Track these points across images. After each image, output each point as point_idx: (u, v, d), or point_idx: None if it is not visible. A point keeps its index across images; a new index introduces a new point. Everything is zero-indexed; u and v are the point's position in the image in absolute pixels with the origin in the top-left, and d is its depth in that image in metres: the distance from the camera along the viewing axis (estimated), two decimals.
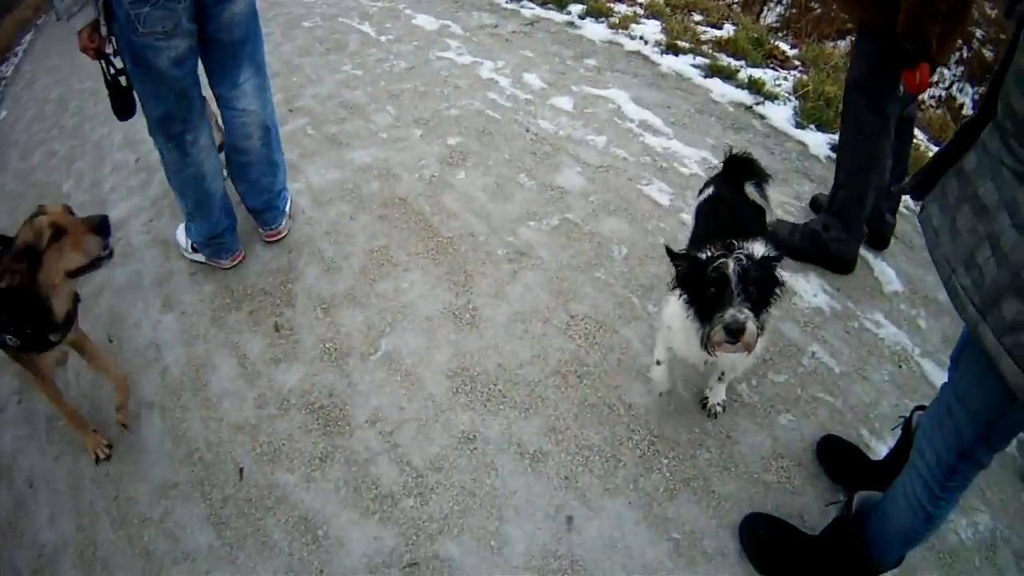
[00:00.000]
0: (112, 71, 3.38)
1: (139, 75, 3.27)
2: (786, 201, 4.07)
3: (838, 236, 3.53)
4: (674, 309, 2.52)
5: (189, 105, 3.43)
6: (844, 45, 7.29)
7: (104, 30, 3.21)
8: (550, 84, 5.34)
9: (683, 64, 5.53)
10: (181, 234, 4.25)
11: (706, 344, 2.28)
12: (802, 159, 4.42)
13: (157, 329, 3.87)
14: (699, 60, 5.55)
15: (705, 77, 5.34)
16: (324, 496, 2.92)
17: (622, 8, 6.64)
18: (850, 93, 3.32)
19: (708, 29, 6.25)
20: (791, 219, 3.87)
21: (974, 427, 1.75)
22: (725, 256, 2.24)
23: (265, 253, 4.13)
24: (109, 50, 3.32)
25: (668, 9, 6.67)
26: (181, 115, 3.42)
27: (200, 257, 4.13)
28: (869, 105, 3.27)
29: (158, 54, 3.16)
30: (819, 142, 4.56)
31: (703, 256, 2.35)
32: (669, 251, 2.39)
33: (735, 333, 2.15)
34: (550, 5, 6.85)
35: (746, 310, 2.17)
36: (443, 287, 3.70)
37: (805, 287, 3.49)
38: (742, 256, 2.24)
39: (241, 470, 3.08)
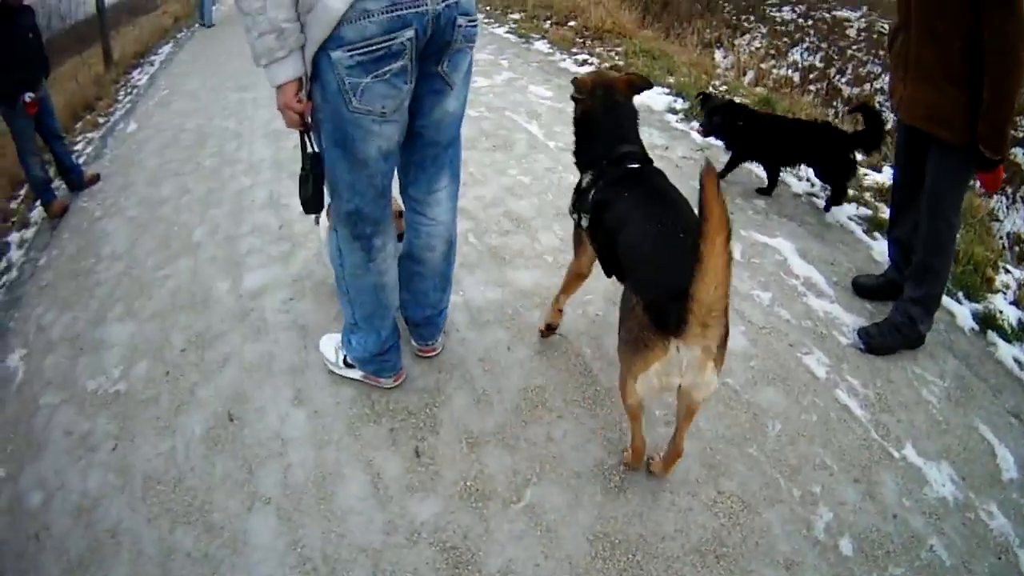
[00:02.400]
0: (315, 148, 3.15)
1: (338, 158, 3.06)
2: (932, 380, 4.10)
3: (925, 321, 4.14)
4: None
5: (385, 205, 3.32)
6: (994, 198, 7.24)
7: (304, 93, 2.92)
8: None
9: (847, 214, 5.62)
10: (329, 345, 4.27)
11: None
12: (949, 331, 4.45)
13: (285, 422, 4.01)
14: (862, 211, 5.64)
15: (866, 232, 5.41)
16: None
17: None
18: (938, 204, 3.91)
19: (870, 172, 6.37)
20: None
21: None
22: None
23: (413, 368, 4.25)
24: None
25: None
26: (375, 215, 3.28)
27: (355, 374, 4.10)
28: (955, 211, 3.97)
29: (367, 138, 2.96)
30: (965, 314, 4.60)
31: None
32: None
33: None
34: None
35: None
36: (596, 443, 3.73)
37: (936, 476, 3.50)
38: None
39: None
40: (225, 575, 3.32)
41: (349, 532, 3.40)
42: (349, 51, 2.67)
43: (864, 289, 4.68)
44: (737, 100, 6.99)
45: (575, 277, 3.91)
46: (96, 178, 8.28)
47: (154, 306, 5.37)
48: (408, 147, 3.32)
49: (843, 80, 13.34)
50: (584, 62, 9.17)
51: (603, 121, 3.50)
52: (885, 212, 5.41)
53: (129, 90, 12.57)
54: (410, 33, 2.72)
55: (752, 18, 17.60)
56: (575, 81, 3.57)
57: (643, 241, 3.00)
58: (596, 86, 3.52)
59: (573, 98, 3.59)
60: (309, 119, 3.00)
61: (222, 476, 3.69)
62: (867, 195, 5.89)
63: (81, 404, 4.56)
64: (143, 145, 8.97)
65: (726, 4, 18.36)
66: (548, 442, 3.74)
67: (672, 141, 6.95)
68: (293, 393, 4.19)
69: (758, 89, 8.93)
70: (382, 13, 2.63)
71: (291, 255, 5.59)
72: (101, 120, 11.18)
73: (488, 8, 12.64)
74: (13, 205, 8.89)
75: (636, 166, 3.35)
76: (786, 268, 4.93)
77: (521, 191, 6.01)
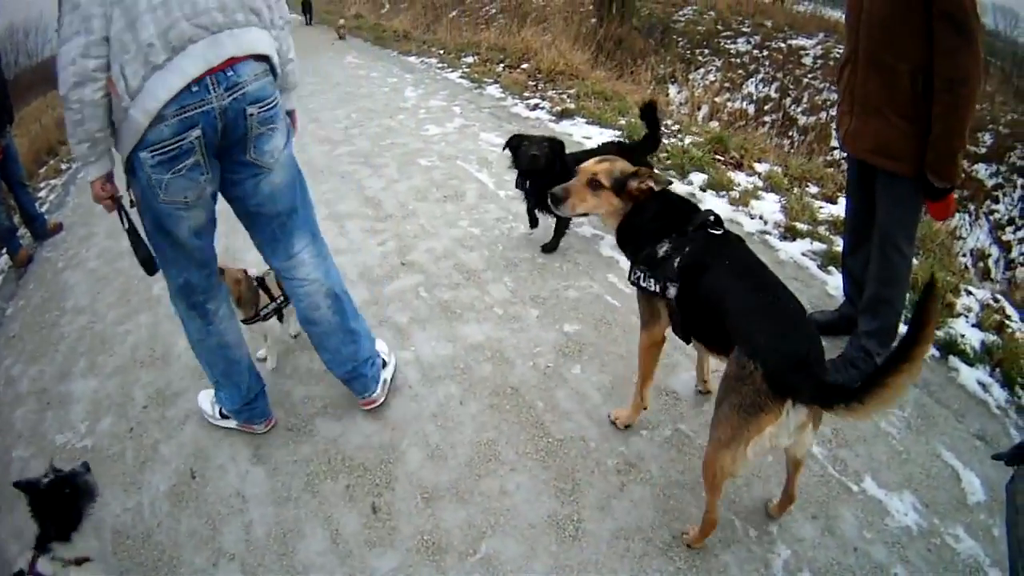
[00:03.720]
0: (130, 226, 3.55)
1: (159, 241, 3.51)
2: (891, 411, 4.19)
3: (881, 354, 4.21)
4: None
5: (210, 275, 3.77)
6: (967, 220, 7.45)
7: (128, 191, 3.42)
8: None
9: (800, 250, 5.76)
10: (205, 400, 4.57)
11: None
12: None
13: (245, 480, 4.13)
14: (816, 246, 5.77)
15: (820, 267, 5.56)
16: None
17: (742, 180, 6.95)
18: (890, 235, 4.01)
19: (825, 205, 6.52)
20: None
21: None
22: None
23: (367, 425, 4.40)
24: (126, 201, 3.50)
25: (786, 181, 6.98)
26: (202, 285, 3.74)
27: (231, 423, 4.42)
28: (908, 241, 4.05)
29: (179, 223, 3.39)
30: (971, 376, 4.59)
31: None
32: None
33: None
34: (671, 172, 7.16)
35: None
36: (549, 493, 3.84)
37: (899, 506, 3.60)
38: None
39: None
40: None
41: None
42: (151, 152, 3.10)
43: (818, 325, 4.60)
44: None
45: (653, 348, 3.81)
46: (58, 227, 8.37)
47: (116, 362, 5.48)
48: (255, 227, 3.80)
49: (798, 109, 13.63)
50: (536, 106, 9.41)
51: (663, 198, 3.58)
52: (839, 245, 5.53)
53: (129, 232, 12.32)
54: (197, 132, 3.12)
55: (706, 51, 17.94)
56: (642, 177, 3.55)
57: (756, 309, 3.09)
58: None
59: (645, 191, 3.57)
60: (121, 199, 3.51)
61: (188, 532, 3.80)
62: (822, 229, 6.05)
63: (51, 458, 4.63)
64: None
65: (679, 39, 18.67)
66: (502, 495, 3.85)
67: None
68: (251, 451, 4.31)
69: (712, 124, 9.13)
70: (173, 117, 3.04)
71: None
72: (63, 167, 11.28)
73: (442, 52, 12.84)
74: None
75: (720, 232, 3.41)
76: None
77: (471, 242, 6.20)
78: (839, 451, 3.90)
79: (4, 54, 7.83)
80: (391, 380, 4.58)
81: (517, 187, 5.89)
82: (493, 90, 10.37)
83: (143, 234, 3.56)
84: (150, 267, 3.60)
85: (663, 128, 8.25)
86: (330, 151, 9.03)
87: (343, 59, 14.37)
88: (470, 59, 12.25)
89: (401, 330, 5.04)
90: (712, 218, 3.40)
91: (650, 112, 5.78)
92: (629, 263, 3.62)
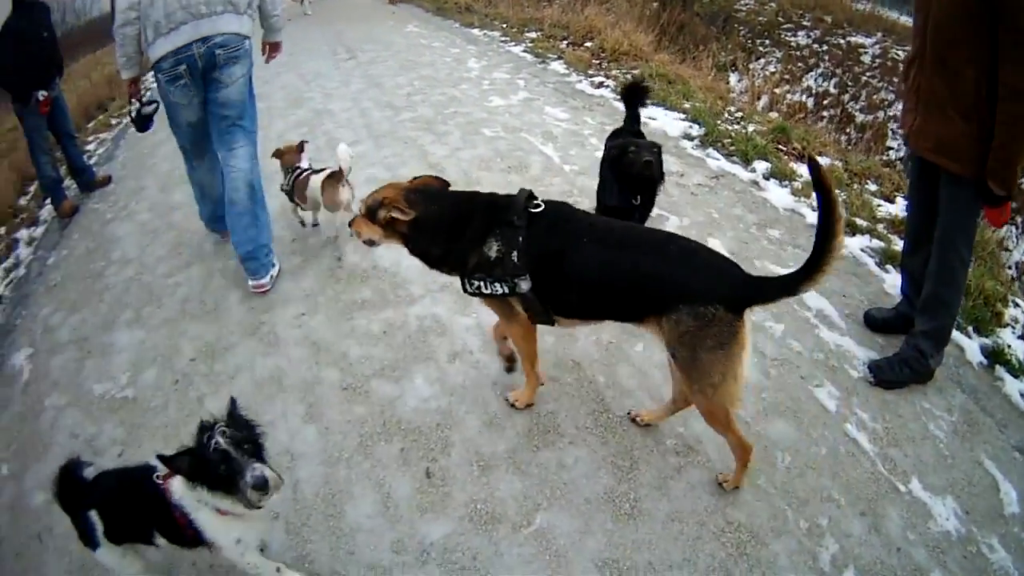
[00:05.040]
0: (136, 109, 5.69)
1: (170, 120, 5.51)
2: (939, 415, 4.10)
3: (935, 356, 4.19)
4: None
5: (197, 144, 5.63)
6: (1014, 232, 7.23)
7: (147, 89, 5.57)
8: (733, 253, 5.40)
9: (859, 246, 5.61)
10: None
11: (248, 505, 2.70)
12: (958, 366, 4.44)
13: (295, 437, 4.06)
14: (875, 243, 5.62)
15: (878, 264, 5.40)
16: None
17: (803, 171, 6.74)
18: (950, 236, 3.98)
19: (883, 203, 6.34)
20: None
21: None
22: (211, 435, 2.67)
23: (425, 389, 4.32)
24: (144, 98, 5.74)
25: (846, 176, 6.77)
26: (191, 149, 5.71)
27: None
28: (967, 243, 4.03)
29: (179, 113, 5.38)
30: (975, 348, 4.59)
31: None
32: (163, 458, 2.70)
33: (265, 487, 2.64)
34: (735, 159, 6.98)
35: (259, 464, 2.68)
36: (607, 469, 3.75)
37: (941, 510, 3.53)
38: (223, 428, 2.71)
39: None
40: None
41: (358, 549, 3.43)
42: (161, 73, 5.10)
43: (876, 322, 4.70)
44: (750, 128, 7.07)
45: (527, 334, 3.81)
46: (107, 180, 8.35)
47: (163, 313, 5.44)
48: (213, 124, 5.40)
49: (856, 107, 13.37)
50: (600, 84, 9.24)
51: (457, 201, 3.62)
52: (898, 244, 5.43)
53: (143, 92, 12.27)
54: (184, 66, 5.00)
55: (767, 42, 17.66)
56: (387, 205, 3.54)
57: (671, 264, 3.13)
58: (413, 192, 3.59)
59: (396, 221, 3.57)
60: (139, 97, 5.71)
61: None
62: (880, 227, 5.89)
63: (88, 408, 4.61)
64: (155, 149, 9.02)
65: (741, 28, 18.42)
66: (560, 468, 3.76)
67: (687, 168, 6.99)
68: (304, 409, 4.24)
69: (772, 115, 8.93)
70: (171, 58, 4.96)
71: (303, 269, 5.67)
72: (113, 121, 11.28)
73: (504, 26, 12.68)
74: (23, 201, 8.96)
75: (543, 207, 3.43)
76: (799, 299, 4.93)
77: None
78: (890, 450, 3.82)
79: (52, 11, 7.83)
80: (275, 278, 5.61)
81: (616, 203, 5.12)
82: (557, 66, 10.17)
83: (141, 116, 5.72)
84: (142, 130, 5.87)
85: (725, 114, 8.17)
86: (392, 116, 8.87)
87: (404, 28, 14.22)
88: (533, 34, 12.06)
89: (463, 296, 4.88)
90: (526, 197, 3.44)
91: (632, 94, 5.66)
92: (460, 280, 3.58)
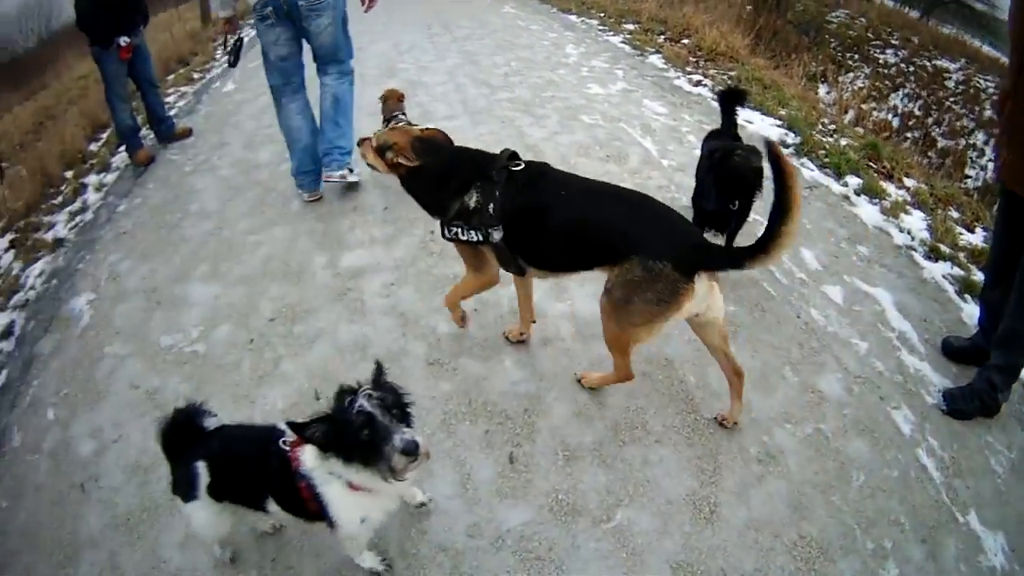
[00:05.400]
0: (234, 43, 6.39)
1: (263, 59, 5.88)
2: (1000, 450, 3.94)
3: (1004, 391, 4.04)
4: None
5: (288, 82, 5.94)
6: None
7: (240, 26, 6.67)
8: (824, 267, 5.27)
9: (941, 272, 5.39)
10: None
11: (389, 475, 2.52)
12: (1021, 402, 4.25)
13: None
14: (955, 271, 5.41)
15: (958, 293, 5.19)
16: None
17: (892, 190, 6.53)
18: None
19: (963, 232, 6.09)
20: None
21: None
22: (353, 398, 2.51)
23: (515, 372, 4.20)
24: (239, 34, 6.46)
25: (931, 199, 6.50)
26: (281, 87, 5.94)
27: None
28: None
29: (269, 50, 5.77)
30: None
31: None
32: (293, 425, 2.54)
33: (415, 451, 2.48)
34: (828, 171, 6.75)
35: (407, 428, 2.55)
36: (691, 471, 3.65)
37: (992, 545, 3.43)
38: (369, 392, 2.55)
39: None
40: (290, 556, 3.29)
41: (431, 529, 3.34)
42: (255, 14, 5.60)
43: (952, 350, 4.55)
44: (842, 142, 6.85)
45: (483, 288, 4.08)
46: (188, 132, 8.26)
47: (242, 270, 5.37)
48: (315, 54, 5.96)
49: (938, 131, 13.05)
50: (698, 83, 8.99)
51: (453, 155, 3.84)
52: (977, 275, 5.28)
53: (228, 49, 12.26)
54: (269, 8, 5.47)
55: (856, 57, 17.29)
56: (396, 151, 3.80)
57: (632, 219, 3.37)
58: (419, 142, 3.82)
59: (401, 166, 3.83)
60: (237, 33, 6.45)
61: None
62: (961, 255, 5.65)
63: (152, 359, 4.56)
64: (241, 107, 9.00)
65: (832, 40, 18.05)
66: (644, 465, 3.65)
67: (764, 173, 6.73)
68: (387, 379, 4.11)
69: (858, 130, 8.67)
70: (262, 6, 5.48)
71: (395, 239, 5.55)
72: (196, 76, 11.19)
73: (602, 16, 12.47)
74: (93, 148, 8.88)
75: (522, 165, 3.65)
76: (884, 320, 4.77)
77: None
78: (954, 480, 3.70)
79: None
80: (348, 181, 6.22)
81: (713, 207, 4.87)
82: (655, 59, 9.87)
83: (234, 47, 6.43)
84: (231, 62, 6.50)
85: (819, 125, 7.94)
86: (489, 95, 8.72)
87: (501, 8, 14.02)
88: (630, 26, 11.80)
89: (557, 281, 4.76)
90: (508, 156, 3.66)
91: (731, 98, 5.42)
92: (439, 223, 3.78)
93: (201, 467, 2.81)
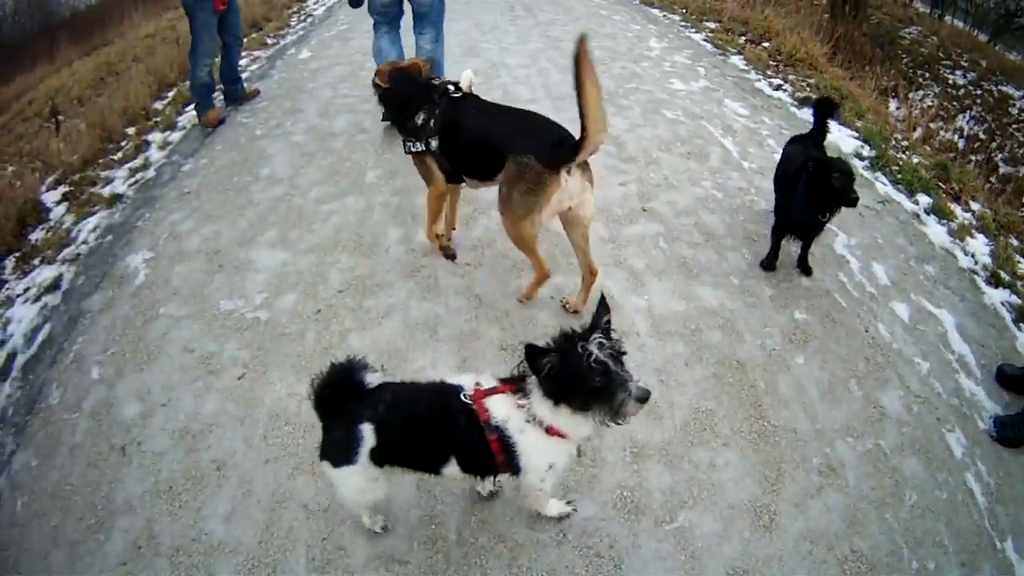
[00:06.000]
0: None
1: (368, 3, 6.48)
2: None
3: None
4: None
5: (388, 22, 6.57)
6: None
7: None
8: (893, 283, 5.09)
9: (1000, 299, 5.21)
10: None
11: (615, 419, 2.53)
12: None
13: None
14: (1013, 299, 5.23)
15: (1014, 321, 5.01)
16: None
17: (959, 212, 6.34)
18: None
19: (1021, 260, 5.88)
20: None
21: None
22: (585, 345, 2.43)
23: None
24: None
25: (995, 225, 6.27)
26: (381, 22, 6.56)
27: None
28: None
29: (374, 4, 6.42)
30: None
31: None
32: (532, 347, 2.48)
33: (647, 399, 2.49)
34: (900, 187, 6.51)
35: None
36: (755, 478, 3.55)
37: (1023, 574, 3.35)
38: (601, 340, 2.46)
39: None
40: (343, 536, 3.21)
41: (492, 518, 3.26)
42: None
43: (1006, 378, 4.39)
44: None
45: (439, 198, 4.69)
46: (256, 93, 8.08)
47: (313, 239, 5.25)
48: (414, 16, 6.48)
49: (1000, 157, 12.72)
50: (778, 87, 8.73)
51: (412, 84, 4.48)
52: None
53: (303, 17, 12.41)
54: None
55: (926, 75, 16.88)
56: (377, 75, 4.60)
57: (514, 127, 4.06)
58: (396, 71, 4.56)
59: (378, 86, 4.58)
60: None
61: None
62: (1019, 284, 5.45)
63: (210, 323, 4.47)
64: (316, 75, 8.80)
65: (904, 55, 17.65)
66: (710, 468, 3.55)
67: (857, 187, 6.49)
68: (457, 362, 4.05)
69: (925, 148, 8.41)
70: None
71: (473, 219, 5.43)
72: (270, 41, 10.94)
73: (684, 12, 12.19)
74: (158, 105, 8.66)
75: (460, 94, 4.37)
76: (946, 341, 4.61)
77: (713, 205, 5.70)
78: (996, 506, 3.61)
79: None
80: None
81: (802, 218, 4.64)
82: (737, 60, 9.59)
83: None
84: (353, 4, 6.58)
85: (892, 140, 7.68)
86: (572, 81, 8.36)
87: None
88: (712, 24, 11.51)
89: (636, 275, 4.65)
90: (451, 87, 4.38)
91: (825, 108, 5.39)
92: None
93: (367, 429, 2.63)
